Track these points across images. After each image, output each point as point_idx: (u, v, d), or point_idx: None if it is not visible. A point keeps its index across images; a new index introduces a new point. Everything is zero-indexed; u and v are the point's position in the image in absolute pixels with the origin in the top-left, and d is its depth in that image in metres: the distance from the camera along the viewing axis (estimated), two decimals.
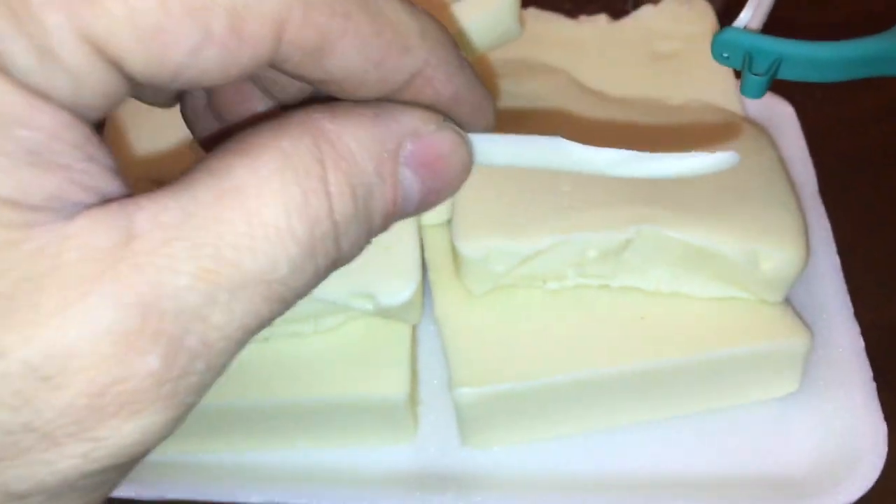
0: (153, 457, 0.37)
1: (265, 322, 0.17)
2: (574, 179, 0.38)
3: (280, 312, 0.17)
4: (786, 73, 0.35)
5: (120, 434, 0.16)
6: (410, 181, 0.18)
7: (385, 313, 0.36)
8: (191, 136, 0.22)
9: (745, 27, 0.36)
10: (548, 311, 0.38)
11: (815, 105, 0.47)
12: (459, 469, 0.37)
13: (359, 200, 0.17)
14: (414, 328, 0.38)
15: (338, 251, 0.17)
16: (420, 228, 0.39)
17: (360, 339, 0.37)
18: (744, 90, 0.36)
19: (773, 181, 0.38)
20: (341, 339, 0.37)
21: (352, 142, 0.17)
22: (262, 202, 0.16)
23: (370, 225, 0.18)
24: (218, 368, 0.17)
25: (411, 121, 0.18)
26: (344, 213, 0.17)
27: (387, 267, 0.35)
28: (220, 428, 0.37)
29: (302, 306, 0.35)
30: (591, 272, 0.37)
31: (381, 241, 0.35)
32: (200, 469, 0.37)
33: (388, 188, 0.18)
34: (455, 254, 0.37)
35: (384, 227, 0.19)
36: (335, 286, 0.35)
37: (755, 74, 0.35)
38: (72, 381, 0.15)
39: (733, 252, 0.35)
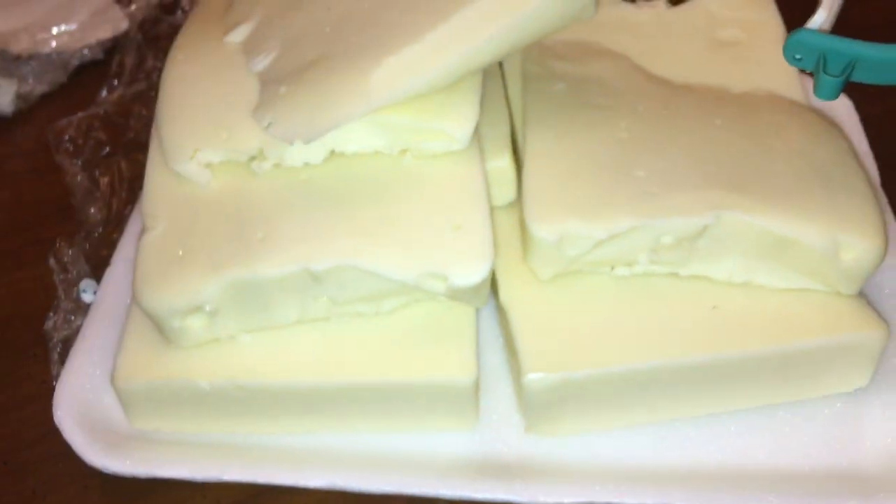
0: (210, 437, 0.36)
1: None
2: (649, 162, 0.37)
3: None
4: (860, 76, 0.35)
5: None
6: None
7: (454, 295, 0.35)
8: None
9: (818, 28, 0.35)
10: (617, 298, 0.37)
11: (871, 98, 0.47)
12: (523, 456, 0.36)
13: None
14: (477, 311, 0.37)
15: None
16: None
17: (424, 321, 0.36)
18: (817, 92, 0.35)
19: (850, 172, 0.37)
20: (404, 322, 0.36)
21: None
22: None
23: None
24: None
25: None
26: None
27: (459, 247, 0.34)
28: (280, 409, 0.36)
29: (367, 285, 0.35)
30: (663, 259, 0.36)
31: (451, 220, 0.35)
32: (258, 450, 0.36)
33: None
34: (525, 236, 0.36)
35: None
36: (405, 266, 0.34)
37: (830, 76, 0.34)
38: None
39: (815, 241, 0.35)
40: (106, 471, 0.35)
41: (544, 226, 0.35)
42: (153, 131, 0.39)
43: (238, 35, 0.40)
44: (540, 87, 0.41)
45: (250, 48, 0.40)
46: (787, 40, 0.35)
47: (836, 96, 0.35)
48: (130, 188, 0.48)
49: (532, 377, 0.34)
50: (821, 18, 0.35)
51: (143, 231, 0.36)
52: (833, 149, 0.39)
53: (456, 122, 0.36)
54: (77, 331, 0.41)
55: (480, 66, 0.36)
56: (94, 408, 0.37)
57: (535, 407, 0.35)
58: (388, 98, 0.34)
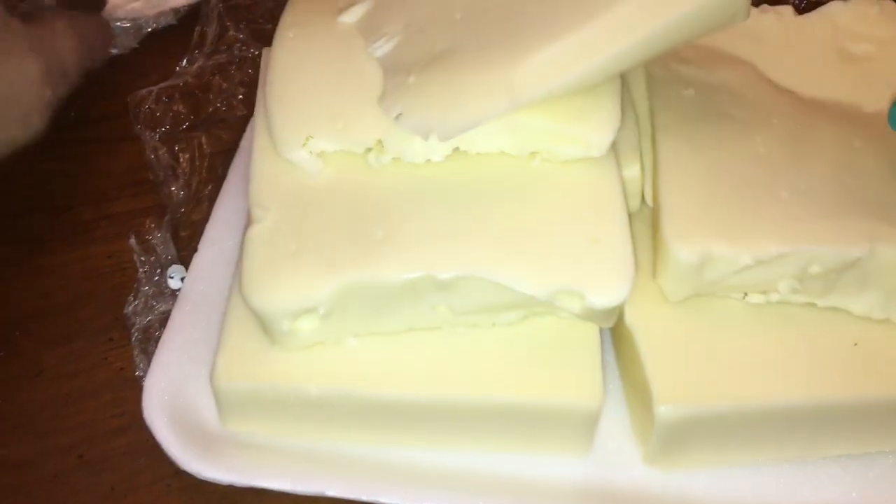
0: (306, 445, 0.34)
1: None
2: (791, 183, 0.35)
3: None
4: None
5: None
6: None
7: (587, 314, 0.32)
8: None
9: None
10: (750, 327, 0.34)
11: None
12: (639, 488, 0.34)
13: None
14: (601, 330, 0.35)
15: None
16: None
17: (544, 337, 0.34)
18: None
19: None
20: (523, 337, 0.34)
21: None
22: None
23: None
24: None
25: None
26: None
27: (597, 263, 0.32)
28: (387, 420, 0.33)
29: (492, 297, 0.32)
30: (804, 289, 0.34)
31: (588, 232, 0.32)
32: (358, 464, 0.34)
33: None
34: (660, 254, 0.34)
35: None
36: (539, 280, 0.32)
37: None
38: None
39: None
40: (199, 476, 0.33)
41: (686, 246, 0.33)
42: (257, 113, 0.37)
43: (353, 15, 0.38)
44: (667, 92, 0.39)
45: (368, 30, 0.37)
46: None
47: None
48: (210, 166, 0.46)
49: (665, 409, 0.32)
50: None
51: (249, 221, 0.34)
52: None
53: (596, 127, 0.33)
54: (160, 318, 0.38)
55: (627, 68, 0.33)
56: (186, 405, 0.34)
57: (663, 438, 0.33)
58: (532, 97, 0.32)
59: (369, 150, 0.34)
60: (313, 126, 0.34)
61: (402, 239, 0.32)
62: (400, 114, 0.33)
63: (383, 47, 0.36)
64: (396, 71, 0.34)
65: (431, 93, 0.33)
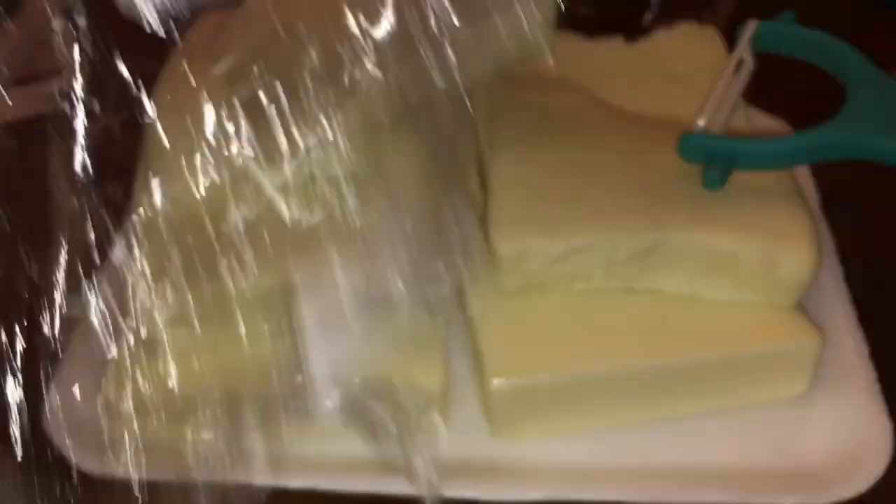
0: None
1: None
2: (602, 185, 0.40)
3: None
4: (743, 165, 0.40)
5: None
6: None
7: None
8: None
9: (704, 131, 0.40)
10: (575, 310, 0.40)
11: (810, 121, 0.50)
12: (488, 459, 0.38)
13: None
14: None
15: None
16: None
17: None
18: (705, 183, 0.39)
19: (785, 188, 0.41)
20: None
21: None
22: None
23: None
24: None
25: None
26: None
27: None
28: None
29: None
30: (617, 274, 0.39)
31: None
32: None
33: None
34: (489, 251, 0.39)
35: None
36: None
37: (715, 169, 0.39)
38: None
39: (753, 256, 0.38)
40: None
41: (507, 241, 0.38)
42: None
43: (223, 66, 0.43)
44: (505, 115, 0.45)
45: (233, 79, 0.42)
46: (679, 142, 0.40)
47: (722, 185, 0.39)
48: None
49: (496, 381, 0.37)
50: (702, 124, 0.41)
51: None
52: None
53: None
54: None
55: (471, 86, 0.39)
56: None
57: (499, 411, 0.38)
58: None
59: None
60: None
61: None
62: None
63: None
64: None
65: None
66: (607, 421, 0.39)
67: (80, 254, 0.47)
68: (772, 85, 0.45)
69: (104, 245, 0.47)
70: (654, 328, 0.39)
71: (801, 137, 0.39)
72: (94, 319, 0.43)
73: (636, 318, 0.39)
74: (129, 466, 0.37)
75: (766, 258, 0.38)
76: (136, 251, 0.38)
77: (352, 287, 0.37)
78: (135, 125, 0.52)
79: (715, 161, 0.39)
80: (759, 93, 0.46)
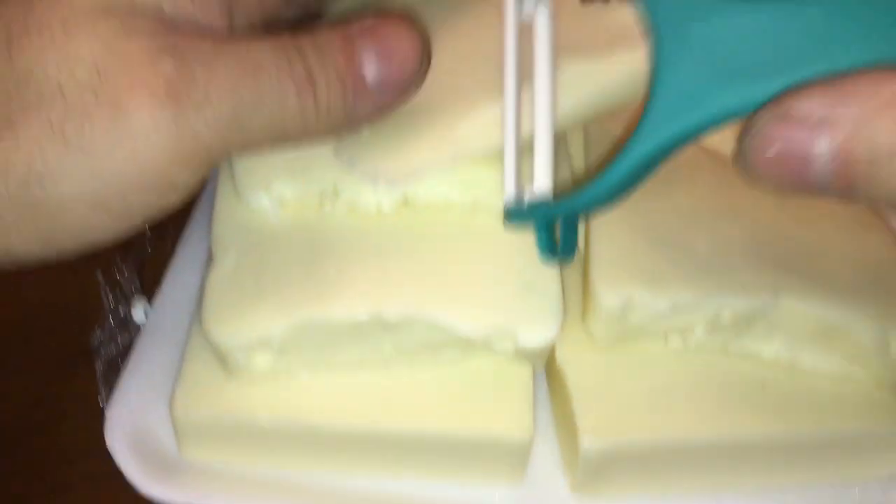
0: (261, 472, 0.36)
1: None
2: (708, 237, 0.38)
3: None
4: (564, 229, 0.35)
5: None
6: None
7: (521, 353, 0.35)
8: None
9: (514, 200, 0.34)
10: (669, 369, 0.38)
11: None
12: None
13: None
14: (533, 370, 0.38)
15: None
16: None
17: (484, 375, 0.37)
18: (539, 253, 0.35)
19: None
20: (463, 373, 0.37)
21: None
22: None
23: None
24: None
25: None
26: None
27: (529, 306, 0.35)
28: (334, 449, 0.36)
29: (434, 337, 0.35)
30: (718, 334, 0.37)
31: (522, 278, 0.35)
32: (307, 490, 0.36)
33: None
34: (588, 299, 0.37)
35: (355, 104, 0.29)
36: (475, 322, 0.35)
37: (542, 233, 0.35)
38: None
39: (865, 333, 0.36)
40: (158, 500, 0.35)
41: (610, 291, 0.36)
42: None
43: None
44: (602, 150, 0.42)
45: None
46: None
47: (553, 251, 0.35)
48: None
49: (588, 440, 0.35)
50: (510, 196, 0.35)
51: (211, 261, 0.36)
52: (879, 240, 0.40)
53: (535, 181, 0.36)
54: (124, 350, 0.41)
55: (565, 127, 0.37)
56: (146, 434, 0.37)
57: (586, 468, 0.36)
58: (475, 150, 0.35)
59: (324, 195, 0.37)
60: (273, 173, 0.37)
61: (352, 281, 0.35)
62: (352, 161, 0.36)
63: None
64: None
65: (381, 143, 0.36)
66: (695, 485, 0.37)
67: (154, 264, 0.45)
68: None
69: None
70: (753, 396, 0.37)
71: (622, 163, 0.29)
72: (159, 325, 0.41)
73: (735, 383, 0.37)
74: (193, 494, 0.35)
75: (879, 338, 0.36)
76: (221, 261, 0.36)
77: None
78: None
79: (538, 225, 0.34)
80: None
